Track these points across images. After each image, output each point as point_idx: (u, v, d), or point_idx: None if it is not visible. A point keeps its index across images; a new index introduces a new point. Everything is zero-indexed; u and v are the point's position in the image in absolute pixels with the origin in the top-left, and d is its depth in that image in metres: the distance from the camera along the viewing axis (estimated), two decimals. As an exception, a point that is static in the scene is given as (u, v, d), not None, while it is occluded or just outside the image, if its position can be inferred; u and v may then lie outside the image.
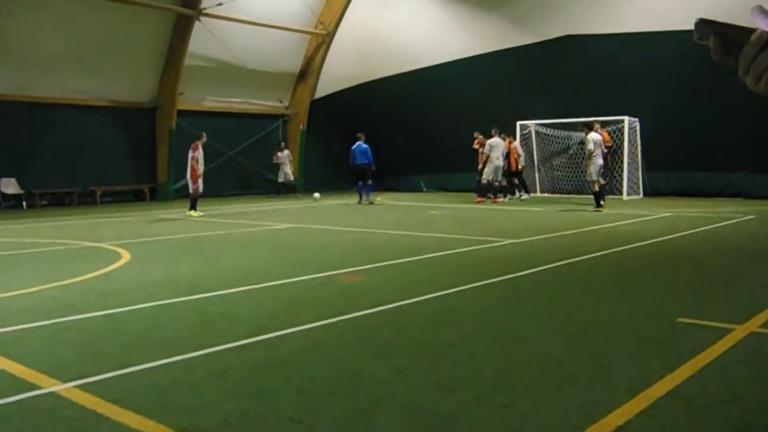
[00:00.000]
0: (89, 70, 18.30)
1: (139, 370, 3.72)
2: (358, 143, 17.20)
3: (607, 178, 15.98)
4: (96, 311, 5.21)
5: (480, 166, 17.57)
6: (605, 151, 15.53)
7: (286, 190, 20.77)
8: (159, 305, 5.44)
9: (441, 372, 3.68)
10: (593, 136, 14.11)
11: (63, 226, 12.80)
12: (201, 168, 13.99)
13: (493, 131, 16.77)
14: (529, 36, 18.14)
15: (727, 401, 3.14)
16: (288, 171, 20.76)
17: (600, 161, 14.11)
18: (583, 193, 17.30)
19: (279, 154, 20.94)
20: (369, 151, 17.10)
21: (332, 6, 22.31)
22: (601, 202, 14.07)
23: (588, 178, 14.65)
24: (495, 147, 16.50)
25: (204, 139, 14.33)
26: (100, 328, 4.75)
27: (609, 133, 16.49)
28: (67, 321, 4.92)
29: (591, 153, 13.98)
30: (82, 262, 7.81)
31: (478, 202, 16.78)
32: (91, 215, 15.04)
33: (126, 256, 8.17)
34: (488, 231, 10.42)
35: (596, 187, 14.11)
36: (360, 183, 17.33)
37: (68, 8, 17.06)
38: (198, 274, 6.90)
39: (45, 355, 4.06)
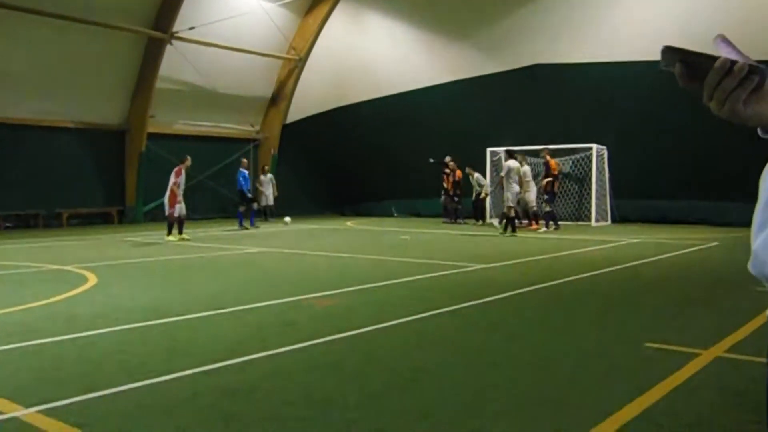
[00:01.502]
0: (58, 92, 18.07)
1: (105, 396, 3.63)
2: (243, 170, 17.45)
3: (553, 205, 16.21)
4: (61, 335, 5.08)
5: (449, 189, 18.10)
6: (550, 178, 15.75)
7: (265, 213, 20.62)
8: (126, 329, 5.33)
9: (412, 397, 3.66)
10: (510, 163, 14.45)
11: (28, 248, 12.50)
12: (180, 193, 13.75)
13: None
14: (499, 64, 18.49)
15: (695, 425, 3.18)
16: (269, 194, 20.59)
17: (516, 188, 14.34)
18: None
19: (262, 177, 20.83)
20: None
21: (305, 31, 22.49)
22: (512, 229, 14.24)
23: (504, 203, 14.83)
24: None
25: (188, 163, 14.04)
26: (64, 352, 4.63)
27: (558, 162, 16.78)
28: (30, 345, 4.79)
29: (501, 179, 14.37)
30: (47, 286, 7.64)
31: (534, 228, 16.13)
32: (57, 238, 14.73)
33: (92, 280, 8.01)
34: (459, 256, 10.47)
35: (511, 213, 14.38)
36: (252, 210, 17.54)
37: (37, 29, 16.87)
38: (166, 298, 6.79)
39: (7, 379, 3.94)
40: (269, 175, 20.86)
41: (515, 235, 14.04)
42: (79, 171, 19.08)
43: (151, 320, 5.65)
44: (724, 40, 1.09)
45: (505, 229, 14.36)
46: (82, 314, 5.93)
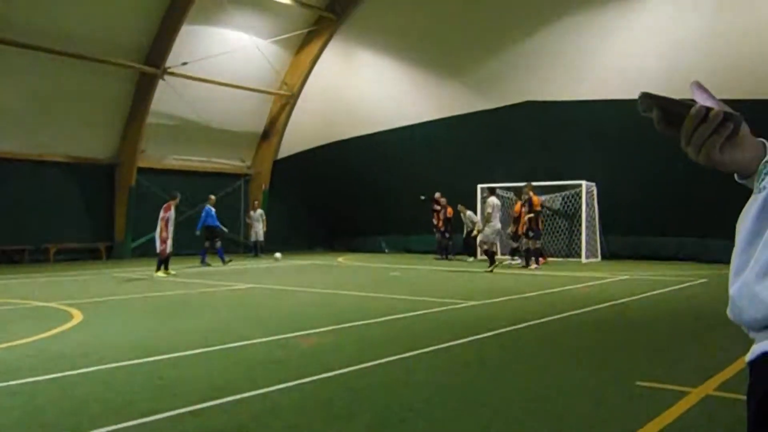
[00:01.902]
0: (48, 125, 18.07)
1: (88, 438, 3.56)
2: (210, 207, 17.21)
3: (539, 241, 16.19)
4: (43, 375, 4.99)
5: (439, 225, 18.22)
6: (532, 215, 15.74)
7: (255, 249, 20.51)
8: (111, 368, 5.25)
9: (402, 437, 3.61)
10: (492, 200, 14.54)
11: (12, 284, 12.36)
12: (171, 229, 13.73)
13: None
14: (490, 101, 18.72)
15: (685, 466, 3.15)
16: (260, 230, 20.54)
17: (497, 225, 14.37)
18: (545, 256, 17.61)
19: (252, 213, 20.83)
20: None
21: (297, 67, 22.75)
22: (493, 266, 14.30)
23: (482, 239, 14.88)
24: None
25: (177, 200, 14.20)
26: (47, 392, 4.55)
27: (541, 199, 16.86)
28: (12, 385, 4.70)
29: (489, 216, 14.50)
30: (31, 323, 7.53)
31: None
32: (43, 273, 14.58)
33: (78, 317, 7.90)
34: (450, 293, 10.44)
35: (492, 248, 14.51)
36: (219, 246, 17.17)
37: (28, 63, 16.96)
38: (153, 336, 6.71)
39: (-13, 421, 3.85)
40: (259, 211, 20.85)
41: (491, 271, 14.02)
42: (68, 205, 18.99)
43: (137, 358, 5.57)
44: (700, 87, 1.12)
45: (492, 263, 14.37)
46: (66, 352, 5.83)
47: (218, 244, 17.09)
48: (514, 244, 17.16)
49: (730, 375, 4.81)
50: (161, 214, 13.69)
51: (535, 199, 16.09)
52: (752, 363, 1.06)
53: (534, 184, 17.27)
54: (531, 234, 15.85)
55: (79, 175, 19.17)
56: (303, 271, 15.67)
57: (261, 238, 20.52)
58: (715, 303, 9.42)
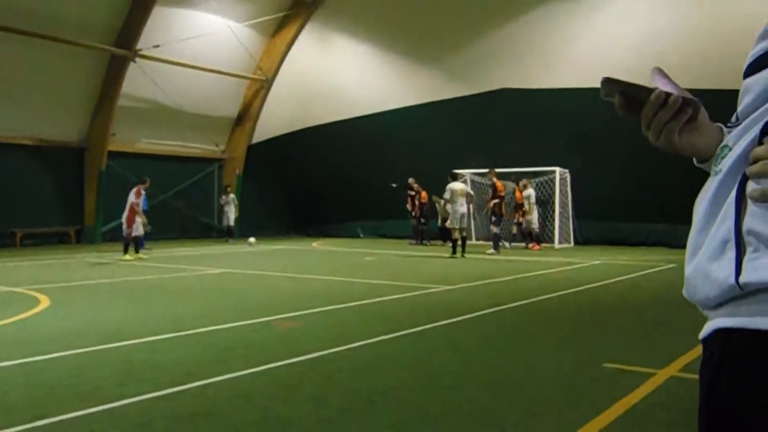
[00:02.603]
0: (15, 107, 17.64)
1: (54, 423, 3.52)
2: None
3: (500, 226, 16.30)
4: (9, 360, 4.91)
5: (414, 211, 18.73)
6: (497, 200, 15.86)
7: (229, 233, 20.33)
8: (79, 353, 5.18)
9: (370, 420, 3.63)
10: (451, 185, 14.50)
11: (-21, 269, 12.12)
12: (142, 212, 13.69)
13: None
14: (467, 88, 18.75)
15: (649, 445, 3.21)
16: (230, 215, 20.39)
17: (462, 209, 14.31)
18: (516, 241, 17.79)
19: (224, 197, 20.67)
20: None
21: (272, 52, 22.51)
22: (457, 252, 14.34)
23: (448, 225, 14.82)
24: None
25: (147, 184, 14.17)
26: (12, 378, 4.48)
27: (504, 184, 16.99)
28: (-24, 371, 4.62)
29: (446, 201, 14.46)
30: (-2, 308, 7.39)
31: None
32: (10, 258, 14.31)
33: (45, 302, 7.78)
34: (423, 278, 10.49)
35: (456, 234, 14.37)
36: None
37: (-5, 43, 16.56)
38: (123, 321, 6.63)
39: (-51, 407, 3.78)
40: (231, 196, 20.70)
41: (455, 257, 14.10)
42: (36, 189, 18.61)
43: (106, 344, 5.51)
44: (660, 72, 1.12)
45: (454, 252, 14.40)
46: (32, 338, 5.75)
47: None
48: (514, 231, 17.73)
49: (696, 356, 4.91)
50: (132, 198, 13.60)
51: (499, 184, 16.14)
52: (705, 340, 1.08)
53: (509, 170, 17.37)
54: (493, 219, 15.96)
55: (47, 158, 18.80)
56: (277, 255, 15.60)
57: (232, 223, 20.40)
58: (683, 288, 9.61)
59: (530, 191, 17.14)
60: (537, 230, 17.14)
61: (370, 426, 3.51)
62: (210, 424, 3.52)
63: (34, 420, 3.53)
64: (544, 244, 17.49)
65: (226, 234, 20.39)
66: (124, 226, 13.65)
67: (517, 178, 17.78)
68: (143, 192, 13.94)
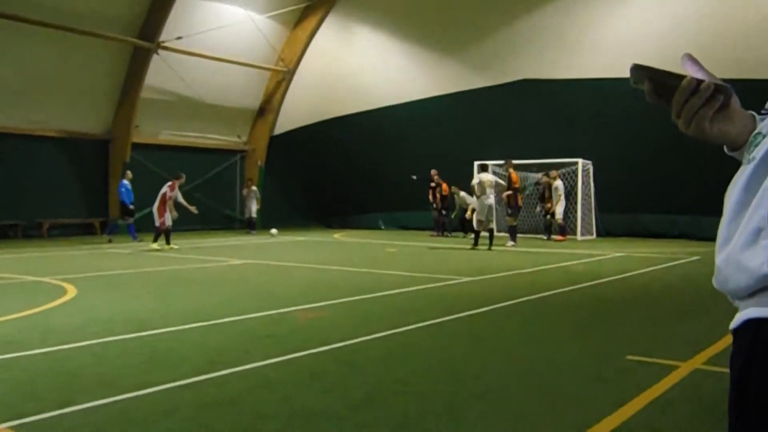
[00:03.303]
0: (41, 100, 17.94)
1: (81, 410, 3.58)
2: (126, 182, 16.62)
3: (516, 218, 16.12)
4: (37, 348, 5.01)
5: (436, 203, 18.62)
6: (511, 192, 15.55)
7: (250, 225, 20.50)
8: (104, 342, 5.27)
9: (394, 409, 3.64)
10: (482, 176, 14.40)
11: (5, 259, 12.35)
12: (172, 205, 14.27)
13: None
14: (487, 79, 18.61)
15: (673, 438, 3.18)
16: (252, 207, 20.57)
17: (488, 200, 14.13)
18: (539, 233, 17.69)
19: (246, 189, 20.87)
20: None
21: (293, 43, 22.54)
22: (479, 243, 14.28)
23: (476, 217, 14.55)
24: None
25: (182, 180, 14.74)
26: (40, 366, 4.56)
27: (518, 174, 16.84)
28: (5, 359, 4.71)
29: (477, 191, 14.25)
30: (24, 298, 7.53)
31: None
32: (37, 249, 14.56)
33: (72, 292, 7.91)
34: (445, 269, 10.47)
35: (480, 227, 14.25)
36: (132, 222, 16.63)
37: (21, 37, 16.77)
38: (147, 311, 6.72)
39: (-20, 393, 3.87)
40: (254, 188, 20.84)
41: (476, 249, 14.04)
42: (62, 181, 18.92)
43: (130, 333, 5.59)
44: (691, 59, 1.10)
45: (475, 243, 14.35)
46: (59, 327, 5.85)
47: (130, 220, 16.60)
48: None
49: (720, 349, 4.85)
50: (167, 191, 14.19)
51: (515, 176, 16.00)
52: (735, 330, 1.07)
53: (530, 161, 17.21)
54: (509, 211, 15.82)
55: (73, 150, 19.07)
56: (299, 247, 15.68)
57: (254, 214, 20.56)
58: (707, 280, 9.42)
59: (559, 183, 16.97)
60: (562, 222, 16.99)
61: (395, 415, 3.52)
62: (234, 412, 3.56)
63: (61, 407, 3.60)
64: (567, 236, 17.36)
65: (248, 225, 20.55)
66: (156, 217, 14.14)
67: (538, 170, 17.64)
68: (177, 187, 14.44)
